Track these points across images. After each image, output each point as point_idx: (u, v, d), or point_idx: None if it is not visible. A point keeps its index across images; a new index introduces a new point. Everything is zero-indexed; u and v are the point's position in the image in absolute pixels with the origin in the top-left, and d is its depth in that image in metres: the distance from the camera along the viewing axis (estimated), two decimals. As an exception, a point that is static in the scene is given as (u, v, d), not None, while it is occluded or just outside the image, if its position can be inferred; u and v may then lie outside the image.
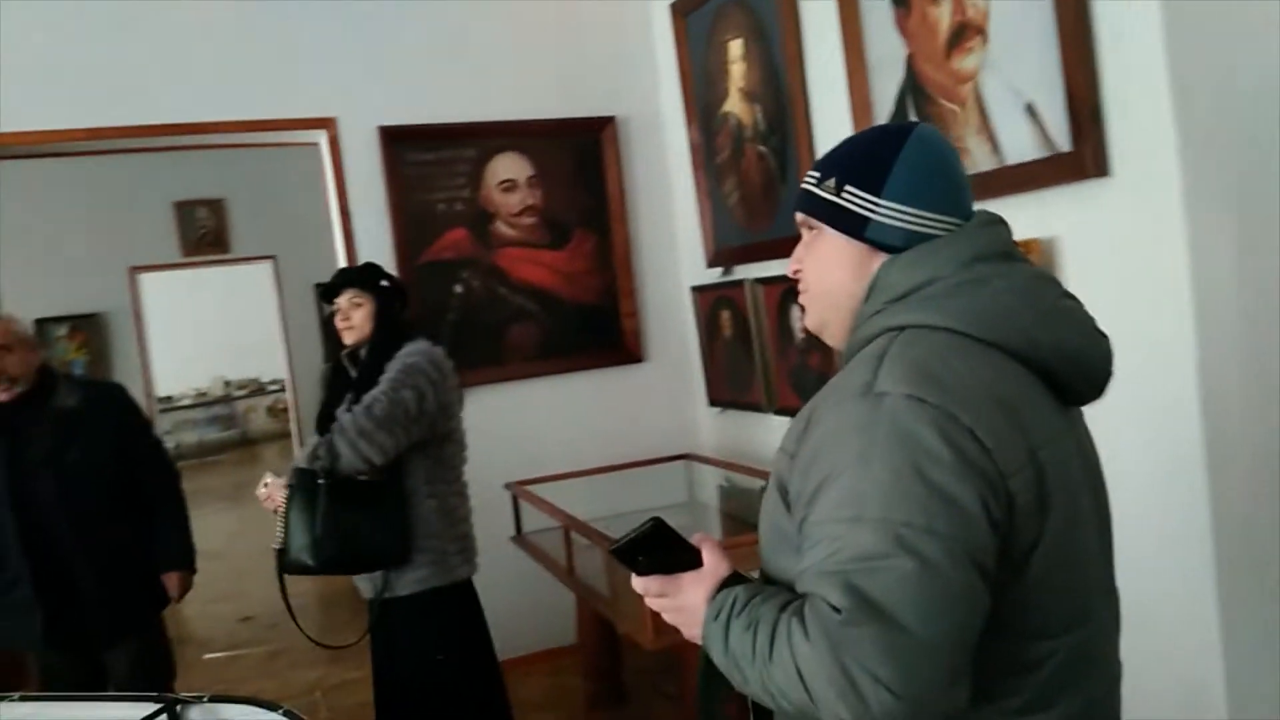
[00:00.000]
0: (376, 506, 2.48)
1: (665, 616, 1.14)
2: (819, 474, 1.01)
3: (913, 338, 1.05)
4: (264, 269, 9.73)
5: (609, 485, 3.78)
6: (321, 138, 3.68)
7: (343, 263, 3.73)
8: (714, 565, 1.09)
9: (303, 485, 2.43)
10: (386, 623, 2.62)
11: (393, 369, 2.47)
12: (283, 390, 13.45)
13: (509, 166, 3.90)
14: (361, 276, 2.62)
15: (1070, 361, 1.10)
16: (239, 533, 7.58)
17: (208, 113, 3.51)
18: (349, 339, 2.59)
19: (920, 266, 1.09)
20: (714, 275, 3.82)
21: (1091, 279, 2.09)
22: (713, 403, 4.01)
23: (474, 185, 3.84)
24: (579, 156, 4.00)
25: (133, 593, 2.78)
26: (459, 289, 3.84)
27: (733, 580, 1.08)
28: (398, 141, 3.69)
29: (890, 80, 2.69)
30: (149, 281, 9.34)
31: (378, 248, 3.71)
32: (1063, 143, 2.18)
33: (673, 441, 4.10)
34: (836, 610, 0.93)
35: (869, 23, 2.75)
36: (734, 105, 3.57)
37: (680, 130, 3.95)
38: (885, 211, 1.10)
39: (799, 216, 1.19)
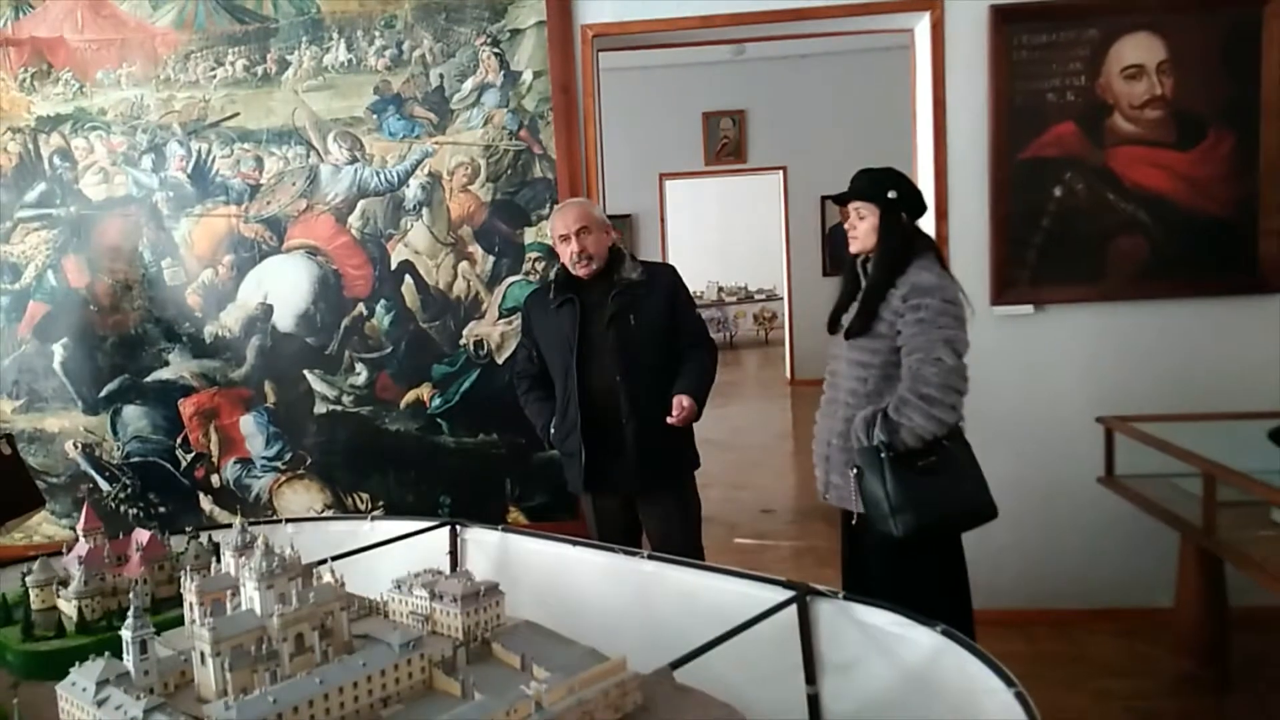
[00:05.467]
0: None
1: None
2: None
3: None
4: (773, 179, 9.96)
5: (1219, 437, 3.15)
6: (922, 21, 3.40)
7: (928, 158, 3.47)
8: None
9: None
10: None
11: (908, 300, 2.40)
12: (768, 300, 13.95)
13: (1137, 49, 3.31)
14: (869, 187, 2.51)
15: None
16: (739, 428, 7.95)
17: (810, -1, 3.40)
18: (853, 248, 2.58)
19: None
20: None
21: None
22: (1384, 352, 3.16)
23: (1091, 72, 3.32)
24: (1227, 37, 3.27)
25: (667, 451, 2.93)
26: (1058, 191, 3.38)
27: None
28: (1010, 21, 3.29)
29: None
30: (672, 187, 10.01)
31: (972, 142, 3.40)
32: None
33: (1312, 394, 3.33)
34: None
35: None
36: None
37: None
38: None
39: None
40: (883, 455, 2.37)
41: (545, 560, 2.58)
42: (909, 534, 2.37)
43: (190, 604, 1.68)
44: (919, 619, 1.86)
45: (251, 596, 1.50)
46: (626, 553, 2.42)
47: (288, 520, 3.05)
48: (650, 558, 2.37)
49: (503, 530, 2.69)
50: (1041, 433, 3.45)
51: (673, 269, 3.07)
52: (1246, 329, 3.40)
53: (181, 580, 1.76)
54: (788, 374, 9.96)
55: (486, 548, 2.71)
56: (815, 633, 2.03)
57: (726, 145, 9.76)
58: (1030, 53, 3.32)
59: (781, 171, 9.73)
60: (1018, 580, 3.50)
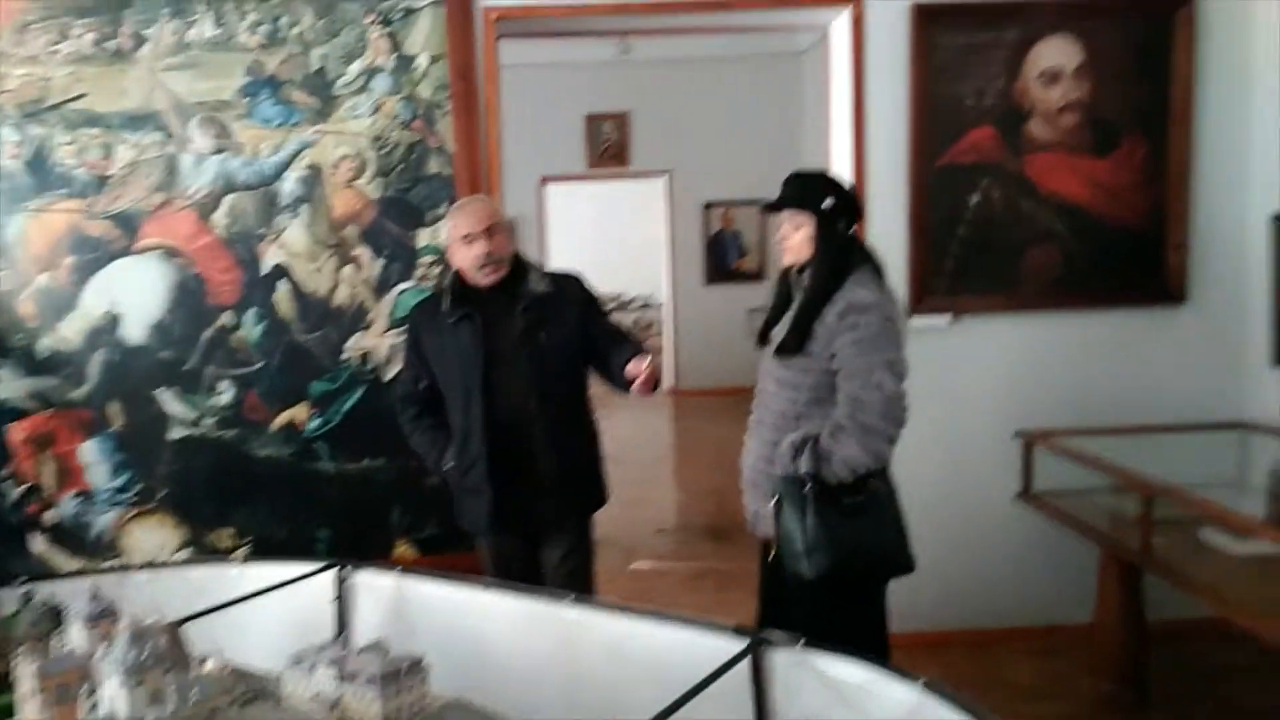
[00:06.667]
0: None
1: None
2: None
3: None
4: (656, 184, 9.79)
5: (1134, 449, 3.12)
6: (842, 17, 3.26)
7: (846, 163, 3.33)
8: None
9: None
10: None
11: (845, 318, 2.20)
12: (645, 308, 13.79)
13: (1055, 53, 3.25)
14: (803, 194, 2.30)
15: None
16: (626, 439, 7.71)
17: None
18: (786, 259, 2.36)
19: None
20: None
21: None
22: (1282, 363, 3.19)
23: (1010, 75, 3.25)
24: (1141, 42, 3.26)
25: (580, 485, 2.70)
26: (975, 199, 3.30)
27: None
28: (932, 21, 3.18)
29: None
30: (553, 191, 9.71)
31: (890, 146, 3.28)
32: None
33: (1216, 406, 3.36)
34: None
35: None
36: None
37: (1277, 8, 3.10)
38: None
39: None
40: (807, 488, 2.18)
41: (450, 607, 2.26)
42: (820, 575, 2.18)
43: (27, 692, 1.31)
44: (898, 672, 1.66)
45: (115, 695, 1.15)
46: (548, 597, 2.14)
47: (141, 567, 2.63)
48: (576, 601, 2.10)
49: (400, 573, 2.34)
50: (957, 449, 3.36)
51: (580, 279, 2.76)
52: (1157, 341, 3.40)
53: (13, 660, 1.38)
54: (668, 383, 9.80)
55: (379, 594, 2.36)
56: (769, 686, 1.81)
57: (609, 148, 9.54)
58: (950, 55, 3.23)
59: (666, 176, 9.57)
60: (934, 601, 3.38)
